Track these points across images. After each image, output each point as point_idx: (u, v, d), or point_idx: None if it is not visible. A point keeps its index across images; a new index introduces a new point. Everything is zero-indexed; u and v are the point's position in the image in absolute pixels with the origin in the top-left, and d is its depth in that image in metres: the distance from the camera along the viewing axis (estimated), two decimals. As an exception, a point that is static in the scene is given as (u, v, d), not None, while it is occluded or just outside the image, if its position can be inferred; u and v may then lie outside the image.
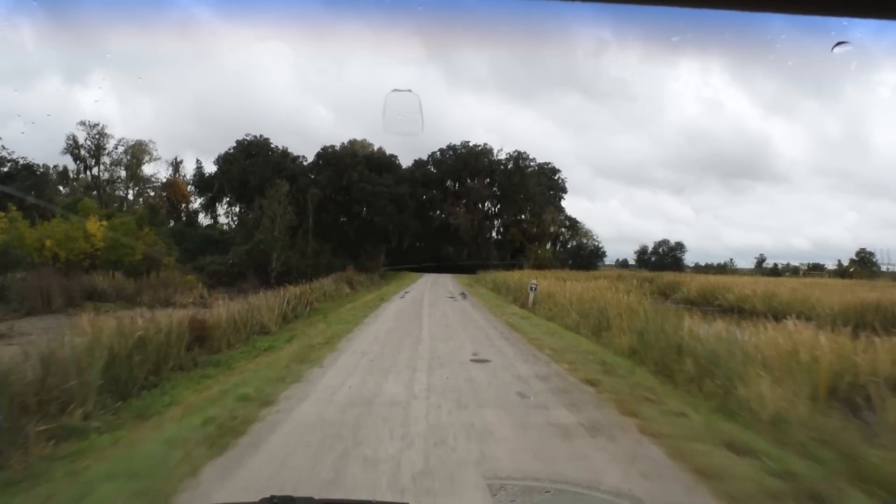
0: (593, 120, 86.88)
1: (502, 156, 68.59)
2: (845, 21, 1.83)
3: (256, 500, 2.02)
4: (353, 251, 61.67)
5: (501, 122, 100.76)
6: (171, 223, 66.58)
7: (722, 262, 63.25)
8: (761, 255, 65.61)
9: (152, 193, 70.75)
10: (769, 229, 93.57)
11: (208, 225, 67.57)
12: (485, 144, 67.94)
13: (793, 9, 1.43)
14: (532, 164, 68.65)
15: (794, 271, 62.42)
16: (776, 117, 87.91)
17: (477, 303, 24.42)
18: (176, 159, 73.44)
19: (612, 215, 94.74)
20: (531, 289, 21.19)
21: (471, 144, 68.09)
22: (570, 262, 64.14)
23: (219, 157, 65.83)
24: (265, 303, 21.79)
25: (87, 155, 68.19)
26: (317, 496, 2.12)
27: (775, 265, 61.71)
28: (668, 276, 46.54)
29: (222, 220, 71.86)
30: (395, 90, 3.16)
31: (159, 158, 70.35)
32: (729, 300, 31.73)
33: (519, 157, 68.03)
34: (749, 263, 64.31)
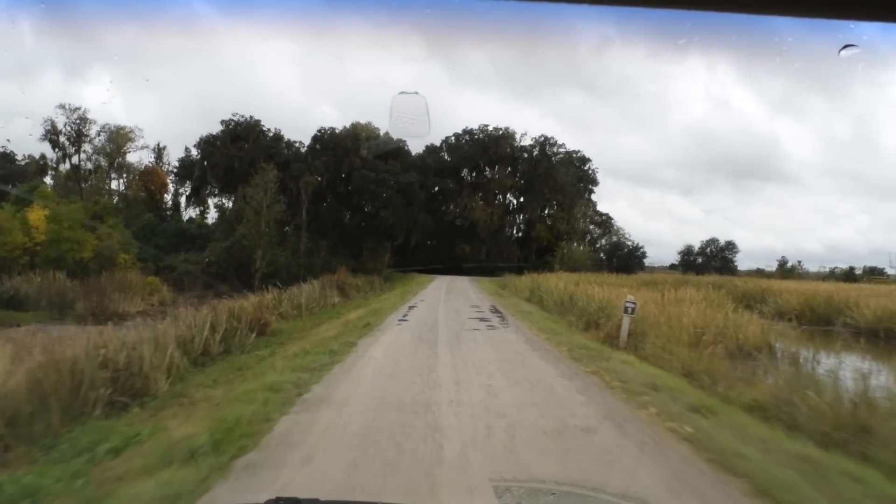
0: (599, 119, 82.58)
1: (526, 141, 59.50)
2: (852, 24, 1.78)
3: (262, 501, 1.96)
4: (354, 249, 53.18)
5: (506, 121, 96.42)
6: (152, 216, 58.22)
7: (789, 263, 53.81)
8: (783, 257, 58.94)
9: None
10: (780, 231, 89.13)
11: (190, 219, 59.06)
12: (506, 128, 58.92)
13: (798, 11, 1.43)
14: (560, 150, 59.54)
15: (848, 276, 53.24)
16: (784, 118, 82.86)
17: (532, 334, 14.40)
18: (159, 145, 65.26)
19: (620, 216, 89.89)
20: (626, 311, 12.35)
21: (490, 128, 59.12)
22: (605, 263, 55.11)
23: (200, 139, 57.23)
24: (175, 329, 13.29)
25: (66, 142, 60.11)
26: (322, 498, 2.04)
27: (851, 269, 52.30)
28: (740, 282, 37.41)
29: (212, 212, 63.75)
30: (401, 92, 3.03)
31: (146, 147, 62.85)
32: (866, 318, 22.73)
33: (545, 143, 58.85)
34: (758, 265, 58.61)
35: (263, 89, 75.88)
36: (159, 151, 65.48)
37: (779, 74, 63.60)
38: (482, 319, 18.04)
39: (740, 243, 70.08)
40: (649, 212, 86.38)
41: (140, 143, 61.39)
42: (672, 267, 61.39)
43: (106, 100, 71.72)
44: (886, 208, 71.49)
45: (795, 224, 79.18)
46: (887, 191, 70.81)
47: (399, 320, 17.09)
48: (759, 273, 51.30)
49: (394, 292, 32.70)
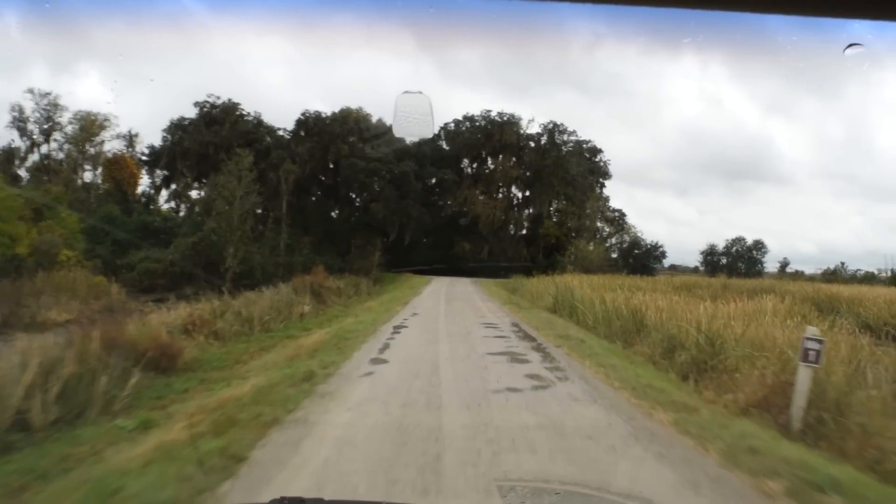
0: (591, 118, 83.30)
1: (534, 129, 53.60)
2: (849, 22, 1.77)
3: (266, 501, 1.94)
4: (341, 247, 47.38)
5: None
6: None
7: (831, 266, 47.74)
8: (785, 258, 56.25)
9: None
10: (774, 233, 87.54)
11: (157, 211, 53.03)
12: (511, 115, 53.02)
13: (791, 9, 1.41)
14: (571, 139, 53.61)
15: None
16: (778, 118, 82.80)
17: (627, 402, 7.67)
18: (130, 132, 58.98)
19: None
20: (807, 358, 6.51)
21: (493, 114, 53.23)
22: (619, 263, 49.41)
23: (171, 123, 51.27)
24: None
25: (34, 130, 54.61)
26: (326, 497, 2.05)
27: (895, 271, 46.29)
28: (794, 287, 31.66)
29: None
30: (405, 92, 3.06)
31: (122, 135, 57.02)
32: None
33: (554, 130, 52.98)
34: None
35: (253, 85, 73.67)
36: (130, 139, 59.41)
37: (772, 74, 64.31)
38: (514, 358, 11.20)
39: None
40: (644, 212, 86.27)
41: (116, 131, 55.96)
42: (672, 268, 56.03)
43: (110, 99, 68.92)
44: (881, 210, 72.53)
45: (790, 225, 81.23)
46: (881, 192, 70.63)
47: (372, 361, 10.34)
48: (798, 276, 45.37)
49: (381, 299, 26.87)
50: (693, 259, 58.28)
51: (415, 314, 18.86)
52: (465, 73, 73.27)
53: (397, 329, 14.99)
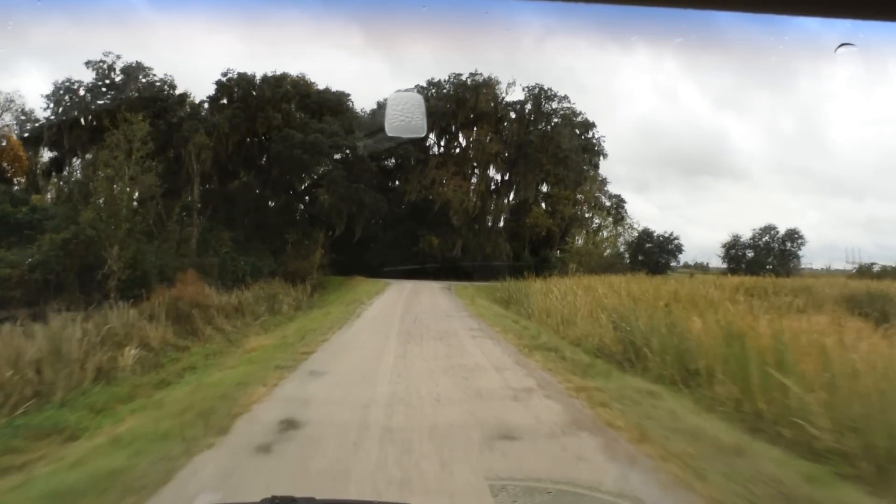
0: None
1: (516, 95, 43.58)
2: (793, 19, 1.79)
3: (258, 500, 1.92)
4: (276, 243, 36.90)
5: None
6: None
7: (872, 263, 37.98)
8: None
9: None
10: (733, 228, 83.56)
11: (22, 200, 41.36)
12: (488, 77, 42.81)
13: (737, 6, 1.43)
14: (562, 106, 43.57)
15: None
16: (733, 113, 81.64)
17: None
18: (23, 108, 47.26)
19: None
20: None
21: (464, 77, 42.97)
22: (628, 260, 39.85)
23: (55, 87, 40.04)
24: None
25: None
26: (318, 497, 2.00)
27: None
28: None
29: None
30: (398, 90, 3.03)
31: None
32: None
33: (541, 95, 42.88)
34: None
35: (198, 81, 65.87)
36: (26, 118, 47.76)
37: (723, 69, 62.13)
38: None
39: (699, 240, 63.42)
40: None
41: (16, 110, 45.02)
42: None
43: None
44: (836, 204, 70.23)
45: (749, 220, 76.25)
46: (836, 187, 68.72)
47: None
48: (865, 273, 35.83)
49: (289, 328, 16.48)
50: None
51: (314, 407, 6.91)
52: (415, 69, 71.97)
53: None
